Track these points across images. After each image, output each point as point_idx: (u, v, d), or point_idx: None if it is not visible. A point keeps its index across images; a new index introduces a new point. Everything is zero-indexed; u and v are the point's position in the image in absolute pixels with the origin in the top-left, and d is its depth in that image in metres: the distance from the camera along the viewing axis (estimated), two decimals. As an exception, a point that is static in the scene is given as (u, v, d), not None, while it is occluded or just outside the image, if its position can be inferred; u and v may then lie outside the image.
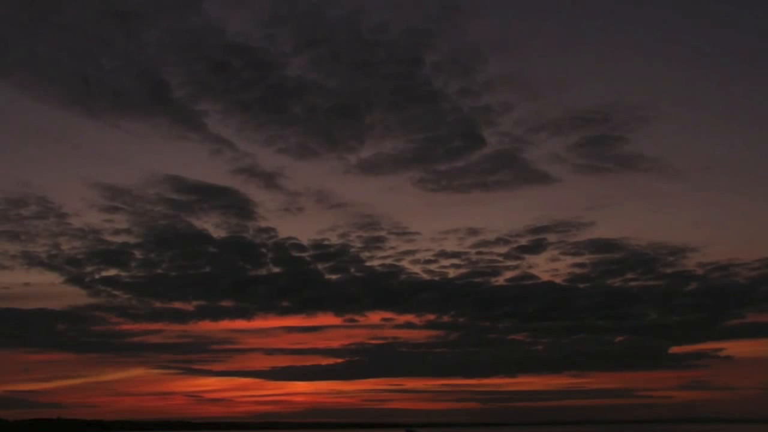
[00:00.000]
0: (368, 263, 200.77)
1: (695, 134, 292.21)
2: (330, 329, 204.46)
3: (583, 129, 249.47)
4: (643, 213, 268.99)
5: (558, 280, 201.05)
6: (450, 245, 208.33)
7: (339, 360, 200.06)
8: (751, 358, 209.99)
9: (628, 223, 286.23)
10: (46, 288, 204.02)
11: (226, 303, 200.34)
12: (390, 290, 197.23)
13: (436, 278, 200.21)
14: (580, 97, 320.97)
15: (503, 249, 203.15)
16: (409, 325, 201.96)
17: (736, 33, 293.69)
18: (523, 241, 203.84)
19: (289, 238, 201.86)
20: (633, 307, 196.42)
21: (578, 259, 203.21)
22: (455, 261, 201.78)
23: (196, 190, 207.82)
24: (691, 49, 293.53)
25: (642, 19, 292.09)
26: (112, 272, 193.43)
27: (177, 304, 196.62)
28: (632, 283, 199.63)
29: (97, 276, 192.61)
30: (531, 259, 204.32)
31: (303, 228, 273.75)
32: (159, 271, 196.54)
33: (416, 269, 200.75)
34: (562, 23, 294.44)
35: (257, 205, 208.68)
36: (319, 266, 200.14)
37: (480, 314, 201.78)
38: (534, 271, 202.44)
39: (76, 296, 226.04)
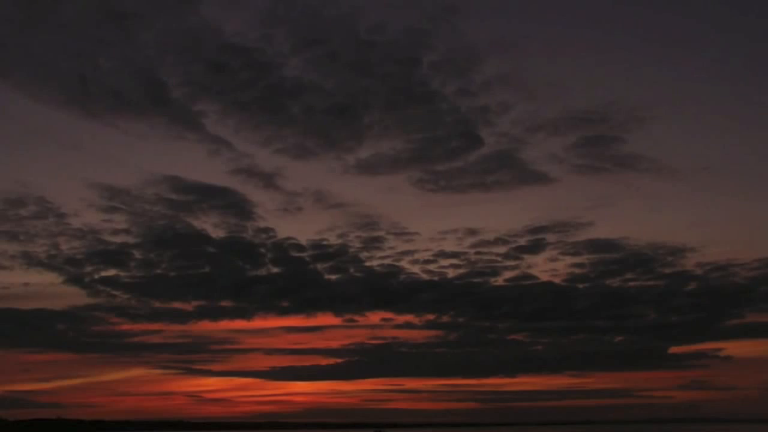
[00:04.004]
0: (367, 263, 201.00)
1: (693, 134, 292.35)
2: (330, 329, 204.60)
3: (581, 129, 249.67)
4: (641, 213, 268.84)
5: (557, 280, 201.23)
6: (449, 245, 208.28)
7: (339, 360, 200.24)
8: (751, 358, 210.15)
9: (626, 223, 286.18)
10: (46, 288, 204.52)
11: (226, 303, 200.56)
12: (389, 290, 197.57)
13: (436, 278, 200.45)
14: (578, 97, 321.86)
15: (502, 249, 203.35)
16: (408, 325, 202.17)
17: (735, 33, 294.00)
18: (522, 241, 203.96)
19: (288, 238, 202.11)
20: (632, 307, 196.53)
21: (577, 259, 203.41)
22: (454, 261, 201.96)
23: (194, 190, 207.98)
24: (690, 49, 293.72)
25: (640, 20, 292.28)
26: (111, 272, 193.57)
27: (176, 304, 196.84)
28: (631, 283, 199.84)
29: (96, 276, 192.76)
30: (530, 259, 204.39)
31: (302, 228, 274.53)
32: (158, 271, 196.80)
33: (415, 269, 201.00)
34: (560, 23, 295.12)
35: (256, 206, 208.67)
36: (319, 266, 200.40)
37: (479, 314, 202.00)
38: (533, 271, 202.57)
39: (75, 296, 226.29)
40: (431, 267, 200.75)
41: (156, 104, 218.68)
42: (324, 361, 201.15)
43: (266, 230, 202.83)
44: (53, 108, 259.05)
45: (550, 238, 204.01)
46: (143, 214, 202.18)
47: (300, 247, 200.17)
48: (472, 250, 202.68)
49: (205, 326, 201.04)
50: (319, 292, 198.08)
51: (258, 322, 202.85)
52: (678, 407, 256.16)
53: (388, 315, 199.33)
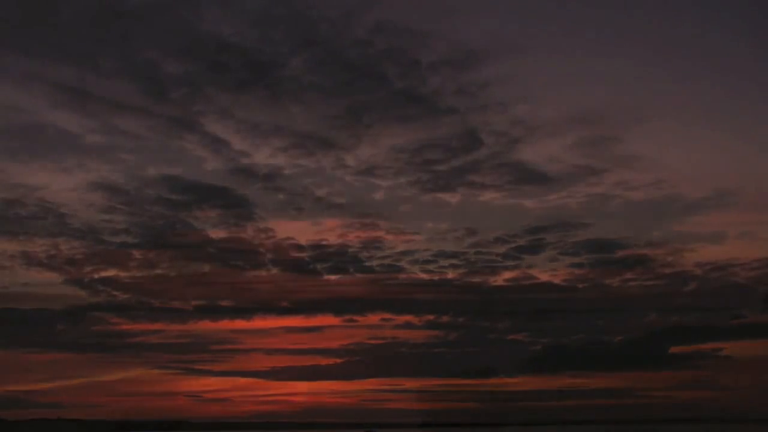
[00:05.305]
0: (367, 263, 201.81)
1: (693, 134, 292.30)
2: (329, 329, 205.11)
3: (580, 129, 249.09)
4: (641, 213, 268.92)
5: (557, 280, 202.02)
6: (448, 245, 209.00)
7: (338, 360, 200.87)
8: (751, 358, 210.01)
9: (626, 223, 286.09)
10: (46, 288, 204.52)
11: (226, 303, 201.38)
12: (389, 290, 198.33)
13: (435, 278, 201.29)
14: (577, 97, 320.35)
15: (501, 249, 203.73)
16: (408, 325, 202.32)
17: (734, 33, 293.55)
18: (522, 241, 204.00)
19: (288, 238, 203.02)
20: (632, 307, 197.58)
21: (577, 259, 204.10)
22: (454, 261, 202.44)
23: (193, 190, 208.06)
24: (689, 49, 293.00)
25: (639, 19, 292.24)
26: (111, 272, 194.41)
27: (176, 304, 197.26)
28: (631, 283, 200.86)
29: (96, 276, 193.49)
30: (529, 259, 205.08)
31: (302, 228, 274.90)
32: (158, 271, 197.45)
33: (415, 269, 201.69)
34: (559, 23, 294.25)
35: (255, 206, 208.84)
36: (319, 266, 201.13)
37: (479, 314, 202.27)
38: (533, 271, 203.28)
39: (75, 296, 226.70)
40: (431, 267, 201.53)
41: (155, 104, 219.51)
42: (324, 361, 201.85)
43: (265, 230, 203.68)
44: (52, 107, 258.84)
45: (550, 238, 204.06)
46: (143, 214, 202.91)
47: (300, 247, 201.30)
48: (472, 250, 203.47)
49: (205, 326, 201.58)
50: (319, 292, 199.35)
51: (258, 322, 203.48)
52: (678, 407, 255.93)
53: (388, 315, 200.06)
